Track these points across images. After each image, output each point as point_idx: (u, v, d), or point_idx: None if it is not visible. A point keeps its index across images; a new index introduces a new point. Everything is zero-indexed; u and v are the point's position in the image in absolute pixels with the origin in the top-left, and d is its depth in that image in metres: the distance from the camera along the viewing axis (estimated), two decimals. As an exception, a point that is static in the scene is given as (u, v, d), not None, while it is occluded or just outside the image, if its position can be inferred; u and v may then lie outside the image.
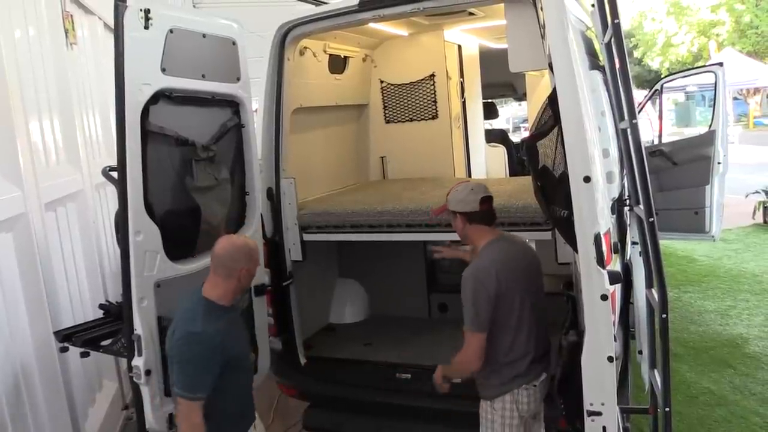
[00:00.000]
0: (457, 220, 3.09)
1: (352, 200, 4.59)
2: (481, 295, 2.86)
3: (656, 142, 7.35)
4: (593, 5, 2.80)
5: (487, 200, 3.06)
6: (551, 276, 3.85)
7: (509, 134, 9.54)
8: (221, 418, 2.72)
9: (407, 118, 5.84)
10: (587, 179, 2.60)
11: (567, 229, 2.80)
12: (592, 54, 3.37)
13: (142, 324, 2.82)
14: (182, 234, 3.10)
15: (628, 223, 3.73)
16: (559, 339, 3.09)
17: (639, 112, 2.96)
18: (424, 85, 5.76)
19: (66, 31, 4.30)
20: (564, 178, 2.71)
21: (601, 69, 3.31)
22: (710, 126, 6.48)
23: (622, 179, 3.64)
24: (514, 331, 2.93)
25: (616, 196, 3.49)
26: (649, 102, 8.11)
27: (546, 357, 3.05)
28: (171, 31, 2.90)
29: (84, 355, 3.31)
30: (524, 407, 2.94)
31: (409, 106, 5.83)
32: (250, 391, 2.98)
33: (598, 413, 2.66)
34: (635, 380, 4.06)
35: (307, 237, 4.25)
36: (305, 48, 4.55)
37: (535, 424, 3.13)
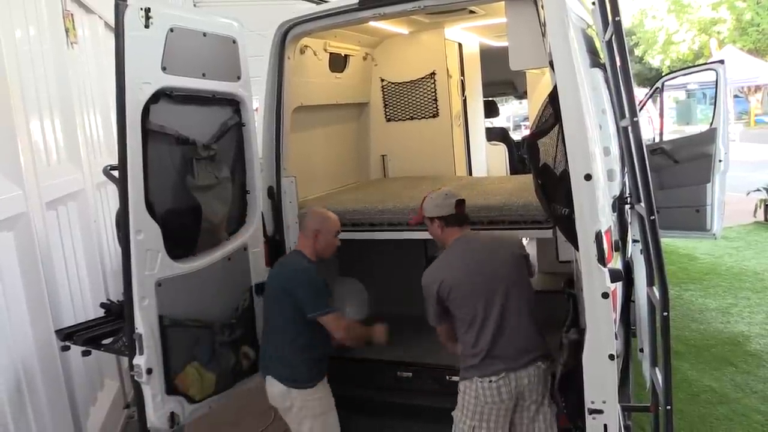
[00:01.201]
0: (434, 225, 3.26)
1: (352, 199, 4.59)
2: (428, 295, 3.13)
3: (657, 140, 7.35)
4: (594, 3, 2.80)
5: (460, 203, 3.25)
6: (552, 274, 3.85)
7: (510, 132, 9.54)
8: (323, 349, 3.36)
9: (408, 117, 5.84)
10: (588, 177, 2.61)
11: (568, 227, 2.80)
12: (592, 52, 3.37)
13: (143, 323, 2.83)
14: (183, 233, 3.10)
15: (629, 221, 3.73)
16: (560, 337, 3.09)
17: (640, 110, 2.96)
18: (424, 83, 5.76)
19: (66, 31, 4.30)
20: (565, 176, 2.71)
21: (602, 67, 3.31)
22: (711, 124, 6.47)
23: (623, 177, 3.64)
24: (468, 325, 3.05)
25: (617, 194, 3.49)
26: (650, 100, 8.10)
27: (521, 358, 3.02)
28: (171, 30, 2.90)
29: (85, 353, 3.32)
30: (481, 398, 3.02)
31: (410, 104, 5.83)
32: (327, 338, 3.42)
33: (600, 411, 2.66)
34: (636, 378, 4.06)
35: (307, 235, 4.25)
36: (306, 46, 4.55)
37: (536, 423, 3.10)
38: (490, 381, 3.00)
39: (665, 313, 2.49)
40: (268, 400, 3.42)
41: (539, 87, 6.59)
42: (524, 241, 6.03)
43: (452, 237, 3.23)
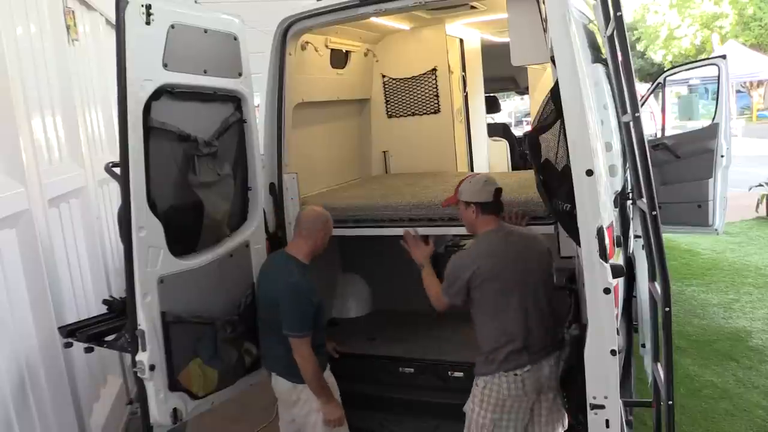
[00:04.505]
0: (469, 210, 3.23)
1: (354, 195, 4.59)
2: (455, 276, 3.14)
3: (659, 135, 7.34)
4: (595, -2, 2.80)
5: (499, 191, 3.23)
6: (554, 270, 3.85)
7: (511, 128, 9.52)
8: (320, 341, 3.40)
9: (409, 113, 5.83)
10: (590, 173, 2.60)
11: (569, 222, 2.80)
12: (594, 47, 3.36)
13: (145, 319, 2.83)
14: (185, 229, 3.10)
15: (630, 216, 3.73)
16: (562, 333, 3.10)
17: (641, 105, 2.96)
18: (426, 79, 5.75)
19: (68, 28, 4.30)
20: (566, 171, 2.71)
21: (604, 62, 3.31)
22: (713, 119, 6.47)
23: (624, 173, 3.64)
24: (492, 318, 3.07)
25: (619, 189, 3.49)
26: (652, 95, 8.09)
27: (543, 350, 3.07)
28: (172, 26, 2.89)
29: (88, 350, 3.32)
30: (504, 391, 3.03)
31: (411, 100, 5.82)
32: (324, 329, 3.56)
33: (601, 406, 2.67)
34: (638, 374, 4.07)
35: (309, 232, 4.25)
36: (307, 43, 4.54)
37: (554, 406, 3.14)
38: (515, 374, 3.02)
39: (667, 309, 2.50)
40: (269, 396, 3.43)
41: (541, 83, 6.58)
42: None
43: (486, 225, 3.21)
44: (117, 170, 2.86)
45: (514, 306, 3.04)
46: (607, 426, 2.68)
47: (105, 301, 3.55)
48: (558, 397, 3.14)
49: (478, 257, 3.13)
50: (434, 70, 5.71)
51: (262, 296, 3.42)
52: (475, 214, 3.21)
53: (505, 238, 3.18)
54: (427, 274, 3.44)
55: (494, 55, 6.54)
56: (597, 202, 2.62)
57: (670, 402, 2.58)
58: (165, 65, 2.88)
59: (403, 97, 5.83)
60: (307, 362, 3.24)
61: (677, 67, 10.34)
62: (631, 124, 2.55)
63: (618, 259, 3.11)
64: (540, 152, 3.17)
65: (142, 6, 2.73)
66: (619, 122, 2.99)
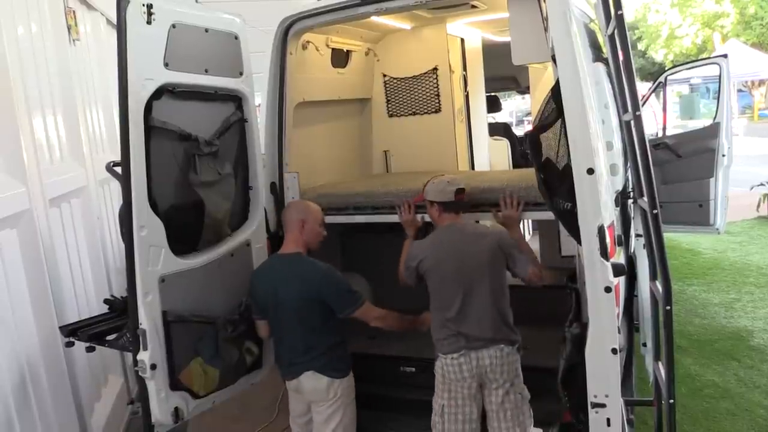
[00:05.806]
0: (433, 208, 3.44)
1: (354, 185, 4.59)
2: (408, 262, 3.42)
3: (660, 134, 7.33)
4: (596, -3, 2.80)
5: (460, 192, 3.42)
6: (555, 269, 3.85)
7: (512, 128, 9.51)
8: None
9: (410, 112, 5.83)
10: (590, 171, 2.61)
11: (571, 221, 2.80)
12: (595, 46, 3.36)
13: (147, 318, 2.83)
14: (186, 229, 3.10)
15: (632, 215, 3.73)
16: (563, 331, 3.10)
17: (643, 104, 2.96)
18: (426, 78, 5.75)
19: (69, 27, 4.30)
20: (567, 170, 2.71)
21: (605, 61, 3.31)
22: (714, 118, 6.45)
23: (625, 172, 3.64)
24: (436, 305, 3.29)
25: (620, 188, 3.49)
26: (654, 94, 8.08)
27: (482, 341, 3.14)
28: (173, 26, 2.89)
29: (89, 349, 3.33)
30: (447, 376, 3.21)
31: (412, 99, 5.82)
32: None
33: (602, 405, 2.67)
34: (639, 373, 4.07)
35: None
36: (308, 42, 4.54)
37: (505, 405, 3.15)
38: (452, 357, 3.17)
39: (668, 307, 2.50)
40: (270, 396, 3.43)
41: (542, 82, 6.56)
42: (527, 236, 6.05)
43: (445, 222, 3.41)
44: (118, 169, 2.86)
45: (452, 296, 3.20)
46: (609, 425, 2.69)
47: (106, 301, 3.56)
48: (513, 393, 3.16)
49: (425, 249, 3.36)
50: (435, 69, 5.70)
51: (292, 301, 3.29)
52: (437, 212, 3.42)
53: (452, 235, 3.34)
54: (406, 246, 3.65)
55: (495, 55, 6.53)
56: (598, 201, 2.63)
57: (672, 401, 2.59)
58: (166, 65, 2.88)
59: (404, 97, 5.83)
60: (385, 317, 3.45)
61: (678, 66, 10.34)
62: (632, 123, 2.55)
63: (619, 258, 3.11)
64: (541, 151, 3.17)
65: (143, 6, 2.73)
66: (620, 121, 2.99)
